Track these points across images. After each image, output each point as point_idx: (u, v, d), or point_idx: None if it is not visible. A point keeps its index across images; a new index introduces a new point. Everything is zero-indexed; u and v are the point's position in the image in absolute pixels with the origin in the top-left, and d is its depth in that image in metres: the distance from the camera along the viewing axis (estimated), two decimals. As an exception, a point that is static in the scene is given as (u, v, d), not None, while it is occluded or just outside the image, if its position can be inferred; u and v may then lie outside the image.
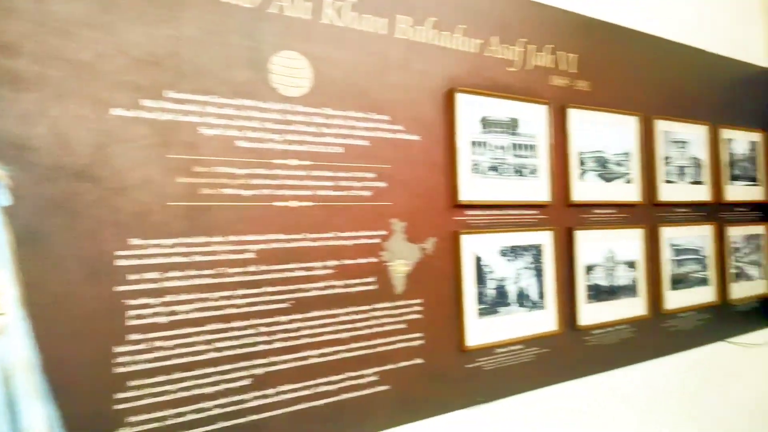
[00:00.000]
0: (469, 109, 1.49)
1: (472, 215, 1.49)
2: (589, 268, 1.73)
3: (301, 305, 1.20)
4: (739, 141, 2.29)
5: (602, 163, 1.79)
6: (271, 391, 1.16)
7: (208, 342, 1.09)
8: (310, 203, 1.22)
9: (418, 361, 1.36)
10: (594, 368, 1.74)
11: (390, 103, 1.35)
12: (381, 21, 1.35)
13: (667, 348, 1.96)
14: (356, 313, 1.27)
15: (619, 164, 1.83)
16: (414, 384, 1.35)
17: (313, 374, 1.21)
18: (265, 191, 1.17)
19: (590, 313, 1.72)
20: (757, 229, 2.33)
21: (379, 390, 1.30)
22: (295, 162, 1.20)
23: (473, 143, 1.49)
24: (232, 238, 1.13)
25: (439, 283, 1.41)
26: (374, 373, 1.29)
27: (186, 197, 1.08)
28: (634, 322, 1.83)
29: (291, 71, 1.21)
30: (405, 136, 1.37)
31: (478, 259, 1.48)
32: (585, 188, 1.74)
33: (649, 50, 1.99)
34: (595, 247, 1.75)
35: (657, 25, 2.05)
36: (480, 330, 1.47)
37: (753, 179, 2.34)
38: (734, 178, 2.25)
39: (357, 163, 1.29)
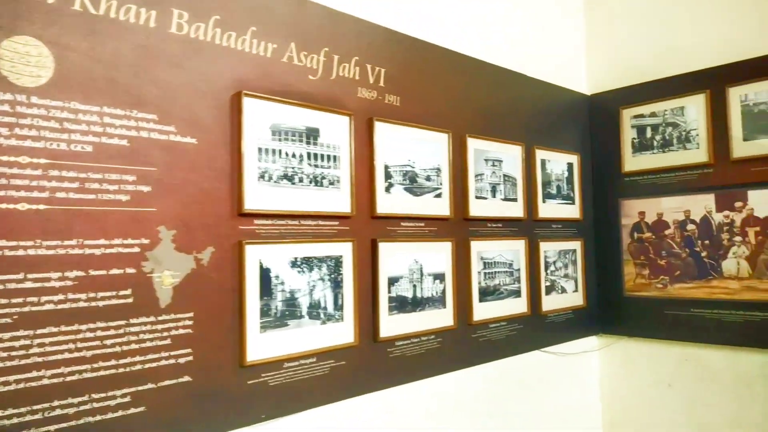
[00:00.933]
0: (259, 114, 1.44)
1: (261, 225, 1.44)
2: (394, 280, 1.74)
3: (29, 320, 1.07)
4: (556, 162, 2.46)
5: (411, 177, 1.82)
6: (-20, 419, 1.01)
7: None
8: (46, 206, 1.10)
9: (186, 379, 1.27)
10: (397, 380, 1.74)
11: (159, 101, 1.27)
12: (150, 13, 1.26)
13: (477, 358, 2.02)
14: (105, 329, 1.16)
15: (428, 179, 1.88)
16: (179, 404, 1.26)
17: (44, 397, 1.08)
18: (-16, 191, 1.03)
19: (393, 325, 1.72)
20: (572, 244, 2.51)
21: (133, 412, 1.19)
22: (26, 160, 1.08)
23: (262, 150, 1.44)
24: (-69, 243, 0.98)
25: (217, 295, 1.34)
26: (126, 394, 1.18)
27: None
28: (440, 333, 1.87)
29: (25, 59, 1.09)
30: (177, 138, 1.29)
31: (266, 271, 1.43)
32: (391, 201, 1.76)
33: (464, 70, 2.08)
34: (400, 259, 1.76)
35: (477, 47, 2.16)
36: (265, 344, 1.41)
37: (569, 198, 2.52)
38: (550, 196, 2.41)
39: (111, 164, 1.18)
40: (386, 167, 1.75)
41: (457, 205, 1.98)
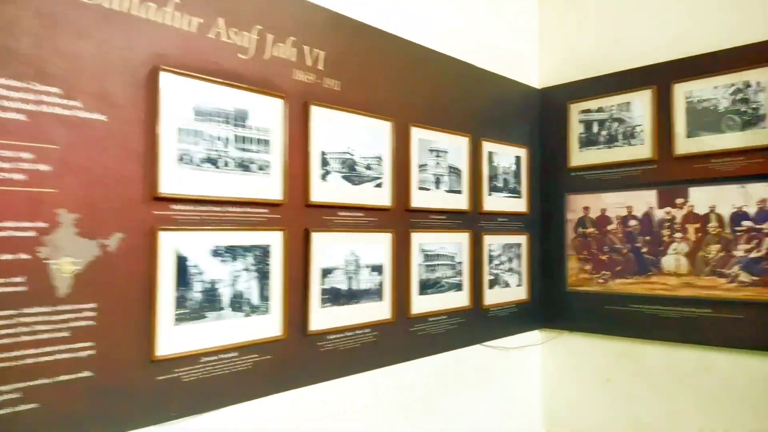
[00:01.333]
0: (180, 92, 1.35)
1: (179, 210, 1.35)
2: (328, 272, 1.67)
3: None
4: (504, 155, 2.44)
5: (350, 165, 1.76)
6: None
7: None
8: None
9: (86, 374, 1.18)
10: (328, 374, 1.68)
11: (64, 74, 1.17)
12: (52, -22, 1.16)
13: (416, 352, 1.98)
14: (-8, 319, 1.06)
15: (369, 168, 1.82)
16: (79, 400, 1.17)
17: None
18: None
19: (325, 318, 1.66)
20: (518, 238, 2.50)
21: (23, 409, 1.09)
22: None
23: (183, 131, 1.35)
24: None
25: (125, 285, 1.25)
26: (16, 389, 1.08)
27: None
28: (377, 327, 1.82)
29: None
30: (84, 115, 1.19)
31: (183, 259, 1.34)
32: (328, 189, 1.69)
33: (411, 58, 2.02)
34: (336, 250, 1.70)
35: (425, 35, 2.10)
36: (179, 338, 1.33)
37: (515, 192, 2.50)
38: (496, 189, 2.38)
39: (5, 140, 1.08)
40: (323, 154, 1.68)
41: (398, 195, 1.92)
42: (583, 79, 2.56)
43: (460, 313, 2.17)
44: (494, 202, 2.36)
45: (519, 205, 2.52)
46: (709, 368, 2.13)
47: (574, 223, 2.55)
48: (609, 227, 2.44)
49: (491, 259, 2.33)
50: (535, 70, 2.73)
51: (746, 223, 2.07)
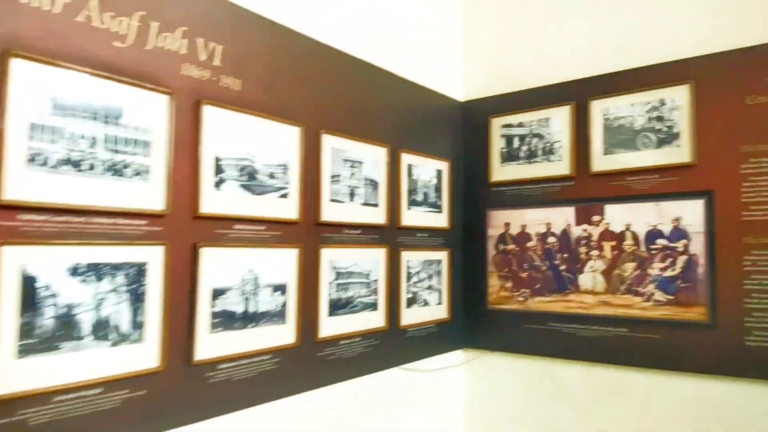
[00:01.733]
0: (35, 82, 1.14)
1: (28, 221, 1.13)
2: (220, 292, 1.49)
3: None
4: (424, 168, 2.34)
5: (250, 173, 1.59)
6: None
7: None
8: None
9: None
10: (219, 408, 1.49)
11: None
12: None
13: (325, 378, 1.82)
14: None
15: (272, 176, 1.65)
16: None
17: None
18: None
19: (215, 345, 1.47)
20: (438, 254, 2.40)
21: None
22: None
23: (37, 127, 1.14)
24: None
25: (-52, 311, 1.01)
26: None
27: None
28: (279, 352, 1.64)
29: None
30: None
31: (31, 279, 1.12)
32: (222, 199, 1.51)
33: (325, 61, 1.88)
34: (230, 267, 1.52)
35: (343, 39, 1.97)
36: (22, 373, 1.10)
37: (436, 206, 2.41)
38: (416, 203, 2.28)
39: None
40: (218, 160, 1.50)
41: (307, 207, 1.77)
42: (504, 94, 2.52)
43: (376, 335, 2.03)
44: (414, 217, 2.26)
45: (440, 220, 2.43)
46: (628, 389, 2.10)
47: (495, 240, 2.49)
48: (529, 244, 2.39)
49: (410, 276, 2.21)
50: (459, 83, 2.67)
51: (661, 242, 2.07)
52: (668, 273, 2.04)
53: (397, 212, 2.16)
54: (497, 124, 2.52)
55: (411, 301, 2.21)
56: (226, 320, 1.49)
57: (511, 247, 2.44)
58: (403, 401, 2.20)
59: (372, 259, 2.02)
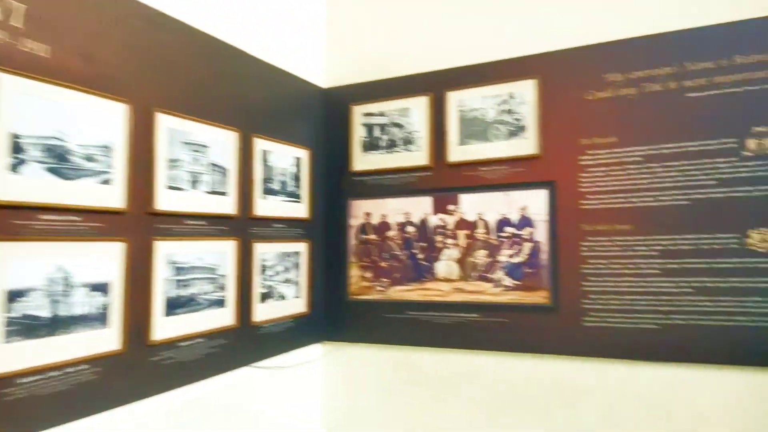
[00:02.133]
0: None
1: None
2: (18, 294, 1.25)
3: None
4: (281, 155, 2.22)
5: (60, 154, 1.36)
6: None
7: None
8: None
9: None
10: (21, 429, 1.26)
11: None
12: None
13: (161, 385, 1.64)
14: None
15: (91, 159, 1.44)
16: None
17: None
18: None
19: (11, 358, 1.24)
20: (297, 246, 2.30)
21: None
22: None
23: None
24: None
25: None
26: None
27: None
28: (96, 361, 1.44)
29: None
30: None
31: None
32: (21, 185, 1.27)
33: (165, 34, 1.68)
34: (32, 265, 1.29)
35: (188, 10, 1.78)
36: None
37: (295, 195, 2.30)
38: (272, 192, 2.15)
39: None
40: (15, 137, 1.26)
41: (136, 195, 1.57)
42: (366, 82, 2.47)
43: (224, 334, 1.88)
44: (269, 206, 2.13)
45: (299, 210, 2.32)
46: (480, 371, 2.17)
47: (357, 230, 2.44)
48: (389, 233, 2.37)
49: (264, 269, 2.09)
50: (321, 69, 2.58)
51: (509, 230, 2.16)
52: (516, 259, 2.13)
53: (249, 201, 2.02)
54: (359, 112, 2.47)
55: (266, 296, 2.09)
56: (26, 328, 1.27)
57: (372, 236, 2.41)
58: (258, 401, 2.07)
59: (220, 252, 1.87)
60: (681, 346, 1.85)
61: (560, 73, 2.09)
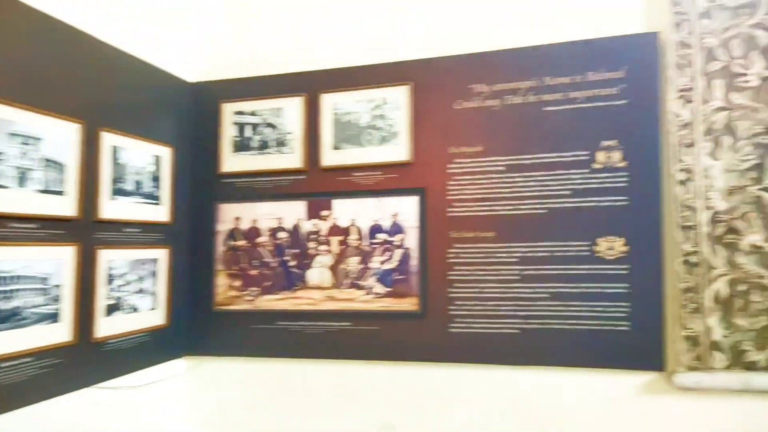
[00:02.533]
0: None
1: None
2: None
3: None
4: (137, 152, 2.02)
5: None
6: None
7: None
8: None
9: None
10: None
11: None
12: None
13: (-32, 417, 1.40)
14: None
15: None
16: None
17: None
18: None
19: None
20: (154, 253, 2.10)
21: None
22: None
23: None
24: None
25: None
26: None
27: None
28: None
29: None
30: None
31: None
32: None
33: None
34: None
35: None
36: None
37: (153, 197, 2.11)
38: (123, 193, 1.94)
39: None
40: None
41: (-61, 192, 1.32)
42: (238, 78, 2.34)
43: (57, 352, 1.65)
44: (120, 209, 1.92)
45: (158, 213, 2.12)
46: (347, 384, 2.12)
47: (225, 235, 2.29)
48: (259, 240, 2.25)
49: (112, 279, 1.87)
50: (188, 62, 2.40)
51: (381, 236, 2.13)
52: (387, 266, 2.11)
53: (94, 203, 1.81)
54: (229, 110, 2.32)
55: (113, 308, 1.87)
56: None
57: (242, 243, 2.27)
58: (115, 424, 1.85)
59: (53, 260, 1.64)
60: (538, 350, 1.93)
61: (432, 81, 2.11)
